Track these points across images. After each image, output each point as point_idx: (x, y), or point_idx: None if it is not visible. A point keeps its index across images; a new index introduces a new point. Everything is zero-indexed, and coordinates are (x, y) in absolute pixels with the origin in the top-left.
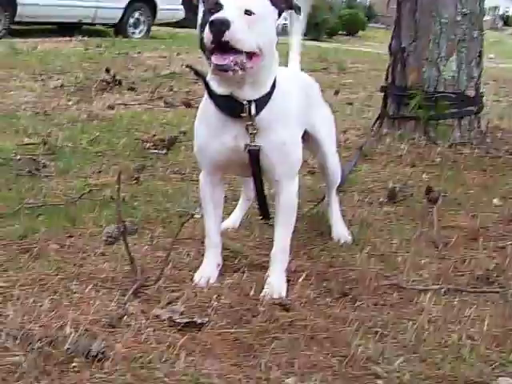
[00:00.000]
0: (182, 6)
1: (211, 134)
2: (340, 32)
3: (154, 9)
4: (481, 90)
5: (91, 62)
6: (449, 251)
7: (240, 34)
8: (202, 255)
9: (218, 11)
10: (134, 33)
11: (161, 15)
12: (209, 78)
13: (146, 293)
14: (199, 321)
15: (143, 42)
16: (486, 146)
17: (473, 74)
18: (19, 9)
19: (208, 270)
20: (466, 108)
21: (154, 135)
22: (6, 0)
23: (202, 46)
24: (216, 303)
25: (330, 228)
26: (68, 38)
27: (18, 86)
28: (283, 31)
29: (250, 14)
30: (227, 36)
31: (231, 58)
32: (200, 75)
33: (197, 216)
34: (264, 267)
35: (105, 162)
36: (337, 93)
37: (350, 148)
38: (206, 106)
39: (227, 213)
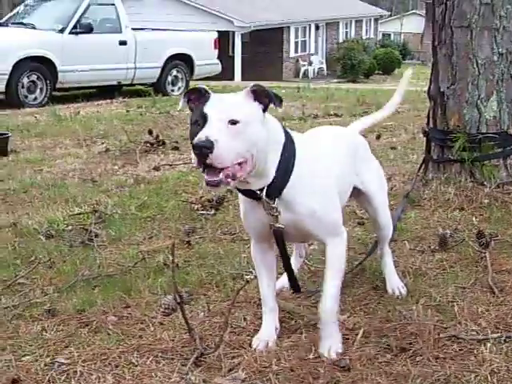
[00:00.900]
0: (218, 61)
1: (249, 209)
2: (376, 72)
3: (191, 65)
4: None
5: (133, 124)
6: (505, 296)
7: (224, 152)
8: (259, 318)
9: (204, 125)
10: (173, 90)
11: (198, 71)
12: None
13: (207, 361)
14: None
15: None
16: None
17: None
18: (60, 76)
19: (266, 334)
20: (511, 147)
21: (202, 196)
22: (47, 68)
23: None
24: (276, 367)
25: (385, 281)
26: (109, 101)
27: (63, 154)
28: (319, 75)
29: (234, 124)
30: (211, 158)
31: (221, 174)
32: None
33: (250, 277)
34: None
35: (155, 227)
36: (379, 137)
37: (396, 195)
38: None
39: (280, 272)
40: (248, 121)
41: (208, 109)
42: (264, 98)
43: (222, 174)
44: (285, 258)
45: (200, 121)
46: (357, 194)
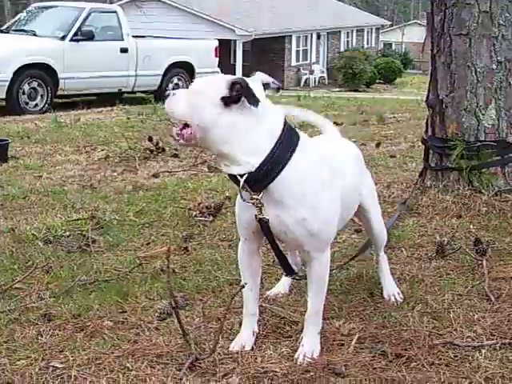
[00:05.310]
0: (218, 69)
1: (243, 206)
2: (377, 81)
3: (191, 73)
4: None
5: (134, 131)
6: (502, 303)
7: (172, 104)
8: None
9: None
10: None
11: None
12: None
13: (201, 366)
14: None
15: None
16: None
17: None
18: (61, 83)
19: (243, 338)
20: (509, 155)
21: (200, 203)
22: (48, 75)
23: None
24: (271, 373)
25: (381, 287)
26: (109, 108)
27: (63, 160)
28: (320, 84)
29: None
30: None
31: (174, 129)
32: None
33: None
34: None
35: (153, 233)
36: (378, 145)
37: (394, 203)
38: None
39: (276, 278)
40: (199, 91)
41: None
42: (235, 91)
43: (174, 128)
44: (275, 245)
45: None
46: None
